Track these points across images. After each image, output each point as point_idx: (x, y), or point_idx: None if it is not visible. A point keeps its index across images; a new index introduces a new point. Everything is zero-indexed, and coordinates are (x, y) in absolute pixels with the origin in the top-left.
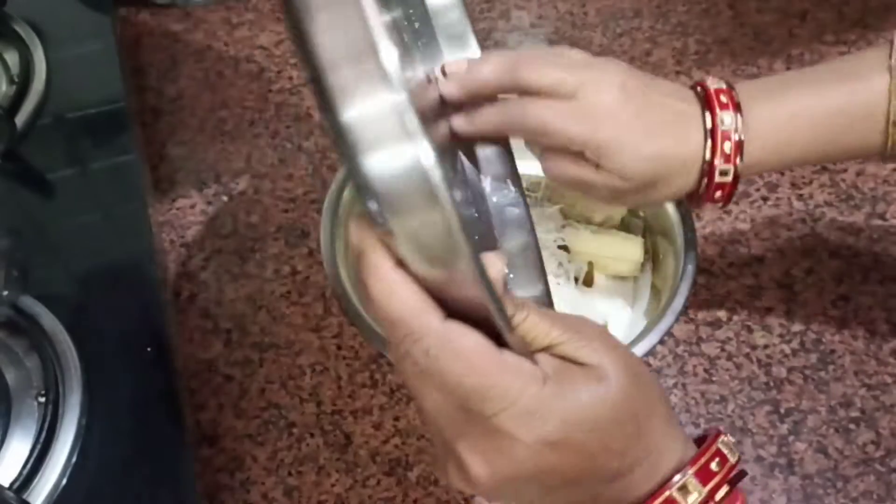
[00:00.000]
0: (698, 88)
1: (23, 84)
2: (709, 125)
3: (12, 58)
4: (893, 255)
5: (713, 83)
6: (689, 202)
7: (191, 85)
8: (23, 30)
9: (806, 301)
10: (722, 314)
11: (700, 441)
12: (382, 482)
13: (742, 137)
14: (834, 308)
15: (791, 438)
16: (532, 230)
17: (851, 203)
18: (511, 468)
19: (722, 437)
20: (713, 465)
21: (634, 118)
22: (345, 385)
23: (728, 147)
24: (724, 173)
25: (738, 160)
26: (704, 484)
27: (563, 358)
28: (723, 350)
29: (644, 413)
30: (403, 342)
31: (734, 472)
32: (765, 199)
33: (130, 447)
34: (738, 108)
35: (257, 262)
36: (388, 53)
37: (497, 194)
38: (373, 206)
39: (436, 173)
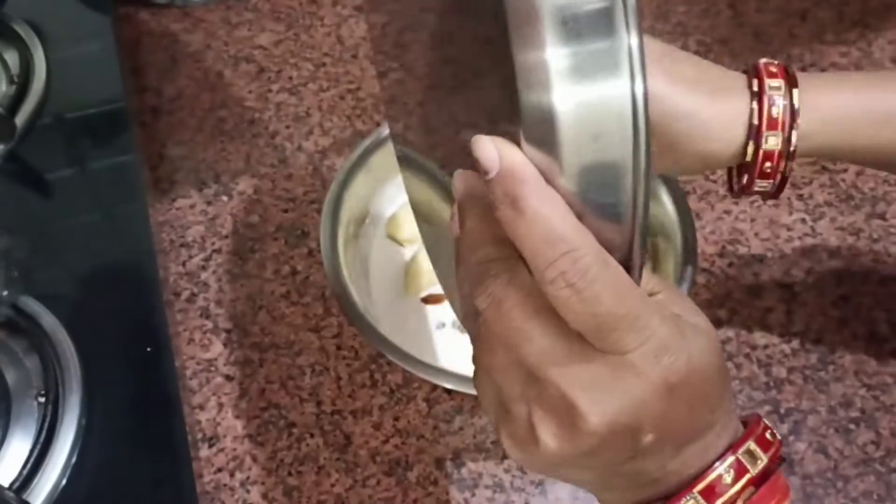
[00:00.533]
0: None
1: (22, 84)
2: (756, 88)
3: (12, 58)
4: (893, 255)
5: (763, 60)
6: (739, 188)
7: (190, 85)
8: (23, 30)
9: (806, 301)
10: (722, 314)
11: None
12: (382, 482)
13: (797, 105)
14: (834, 308)
15: (791, 438)
16: None
17: (851, 203)
18: (626, 412)
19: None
20: (768, 436)
21: (673, 67)
22: (345, 385)
23: (776, 111)
24: (771, 141)
25: (789, 130)
26: (765, 452)
27: None
28: (723, 350)
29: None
30: (561, 261)
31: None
32: None
33: (130, 447)
34: (790, 81)
35: (257, 262)
36: None
37: None
38: (539, 133)
39: (646, 111)
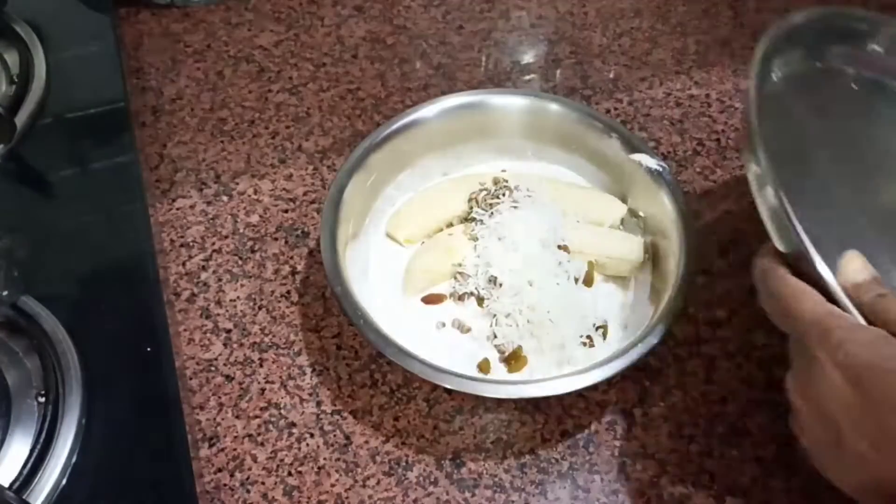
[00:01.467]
0: None
1: (23, 84)
2: None
3: (12, 58)
4: None
5: None
6: None
7: (191, 85)
8: (23, 30)
9: None
10: (722, 314)
11: None
12: (382, 482)
13: None
14: None
15: (791, 439)
16: None
17: None
18: (809, 387)
19: None
20: None
21: None
22: (345, 385)
23: None
24: None
25: None
26: None
27: None
28: (723, 350)
29: None
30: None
31: None
32: None
33: (130, 447)
34: None
35: (257, 262)
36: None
37: None
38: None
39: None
